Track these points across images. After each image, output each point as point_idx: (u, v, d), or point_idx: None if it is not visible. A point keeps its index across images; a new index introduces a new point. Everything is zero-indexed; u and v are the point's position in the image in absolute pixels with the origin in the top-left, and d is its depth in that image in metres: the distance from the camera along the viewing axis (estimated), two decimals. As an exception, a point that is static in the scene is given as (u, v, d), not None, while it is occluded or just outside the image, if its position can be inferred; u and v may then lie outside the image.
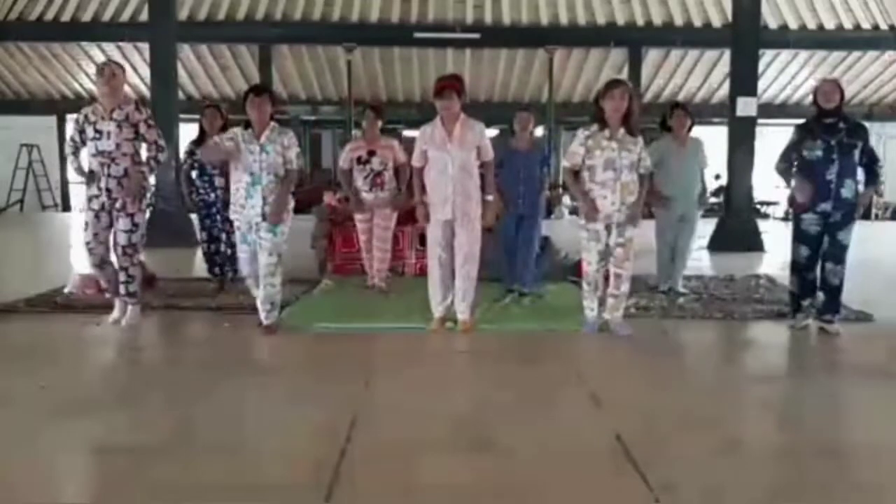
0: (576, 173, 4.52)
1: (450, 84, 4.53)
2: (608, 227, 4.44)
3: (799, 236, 4.58)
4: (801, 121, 4.73)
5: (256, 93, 4.49)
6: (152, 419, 3.18)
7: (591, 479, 2.59)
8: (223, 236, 5.72)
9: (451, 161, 4.47)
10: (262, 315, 4.56)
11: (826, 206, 4.42)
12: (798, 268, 4.63)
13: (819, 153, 4.41)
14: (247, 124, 4.46)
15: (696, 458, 2.76)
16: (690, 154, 5.65)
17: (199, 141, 5.54)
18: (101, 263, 4.70)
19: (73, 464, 2.76)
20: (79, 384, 3.65)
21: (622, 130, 4.39)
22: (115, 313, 4.81)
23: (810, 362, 4.33)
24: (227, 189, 5.63)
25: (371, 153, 5.68)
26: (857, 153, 4.44)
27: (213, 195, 5.71)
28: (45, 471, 2.65)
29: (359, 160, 5.70)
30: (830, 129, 4.42)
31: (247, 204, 4.43)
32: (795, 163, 4.58)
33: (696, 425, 3.12)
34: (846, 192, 4.41)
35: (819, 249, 4.54)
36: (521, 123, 5.46)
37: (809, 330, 4.68)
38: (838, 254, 4.52)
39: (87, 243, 4.64)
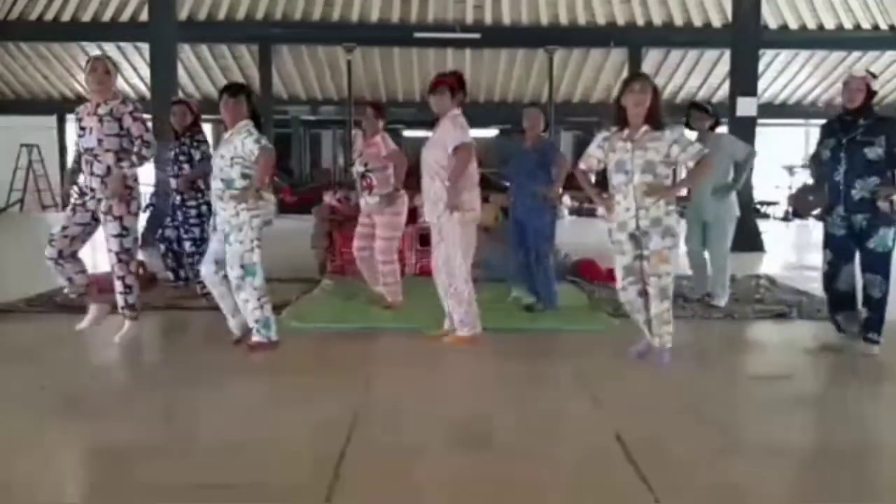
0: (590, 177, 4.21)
1: (443, 80, 4.31)
2: (634, 238, 3.94)
3: (824, 240, 4.29)
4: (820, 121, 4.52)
5: (231, 93, 4.11)
6: (152, 419, 3.19)
7: (591, 479, 2.59)
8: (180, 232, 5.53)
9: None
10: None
11: (840, 210, 4.14)
12: (825, 277, 4.30)
13: (828, 152, 4.17)
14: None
15: (696, 458, 2.76)
16: (716, 151, 5.43)
17: (175, 135, 5.47)
18: (58, 257, 4.24)
19: (73, 464, 2.76)
20: (79, 384, 3.65)
21: (644, 128, 3.86)
22: (86, 321, 4.43)
23: (811, 363, 4.32)
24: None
25: (360, 155, 5.26)
26: (869, 151, 3.99)
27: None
28: (44, 471, 2.64)
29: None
30: (845, 127, 4.15)
31: (217, 207, 4.14)
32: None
33: (696, 425, 3.12)
34: (857, 194, 4.02)
35: (845, 255, 4.22)
36: (530, 120, 5.29)
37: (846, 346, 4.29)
38: (873, 263, 4.10)
39: (51, 234, 4.27)
